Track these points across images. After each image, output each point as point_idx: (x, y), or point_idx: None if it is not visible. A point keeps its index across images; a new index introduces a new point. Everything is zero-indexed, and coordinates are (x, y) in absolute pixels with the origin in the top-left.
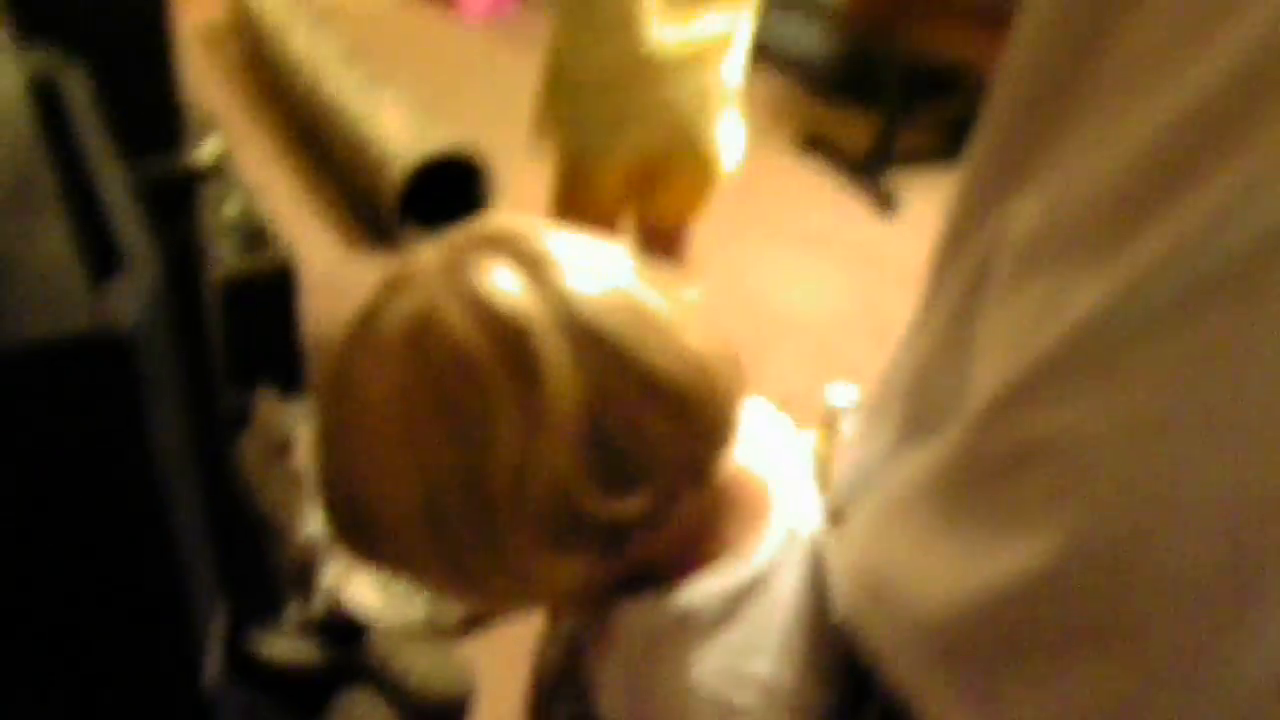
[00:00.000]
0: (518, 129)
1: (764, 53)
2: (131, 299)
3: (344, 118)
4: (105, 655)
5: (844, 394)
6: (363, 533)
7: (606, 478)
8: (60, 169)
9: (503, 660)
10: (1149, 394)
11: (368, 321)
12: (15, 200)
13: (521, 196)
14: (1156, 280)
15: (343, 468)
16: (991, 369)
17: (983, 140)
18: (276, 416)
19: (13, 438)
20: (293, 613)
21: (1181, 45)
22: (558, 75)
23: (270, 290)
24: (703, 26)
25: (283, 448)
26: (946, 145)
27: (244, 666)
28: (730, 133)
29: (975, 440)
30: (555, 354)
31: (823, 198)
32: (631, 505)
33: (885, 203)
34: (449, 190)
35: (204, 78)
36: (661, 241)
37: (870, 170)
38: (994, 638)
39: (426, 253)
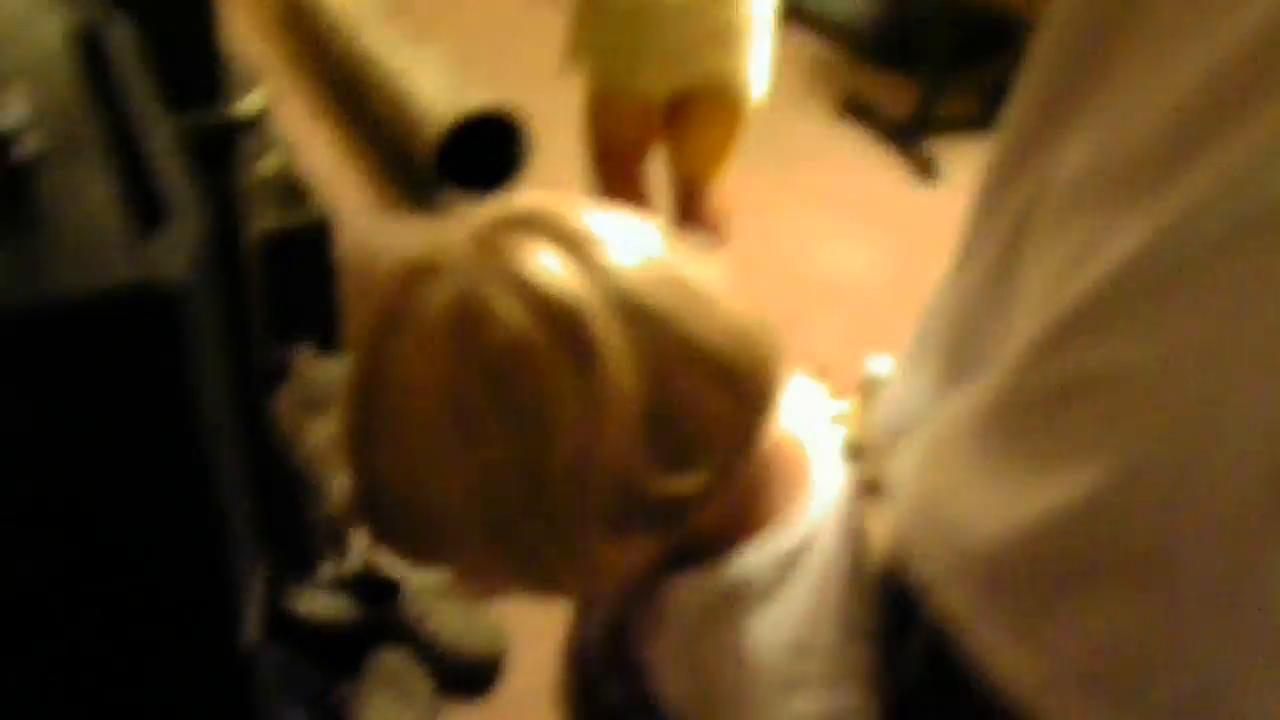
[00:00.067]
0: (556, 88)
1: (804, 15)
2: (177, 252)
3: (381, 75)
4: (144, 613)
5: (882, 364)
6: (416, 536)
7: (666, 456)
8: (105, 120)
9: (534, 620)
10: (1194, 327)
11: (400, 313)
12: (61, 151)
13: (559, 155)
14: (1202, 217)
15: (391, 470)
16: (1036, 308)
17: (1026, 89)
18: (314, 372)
19: (57, 390)
20: (326, 570)
21: None
22: (587, 4)
23: (307, 246)
24: None
25: (320, 403)
26: (986, 112)
27: (277, 623)
28: (757, 65)
29: (1021, 377)
30: (609, 334)
31: (862, 163)
32: (691, 481)
33: (925, 169)
34: (486, 149)
35: (242, 32)
36: (696, 200)
37: (910, 136)
38: (1039, 568)
39: (452, 236)
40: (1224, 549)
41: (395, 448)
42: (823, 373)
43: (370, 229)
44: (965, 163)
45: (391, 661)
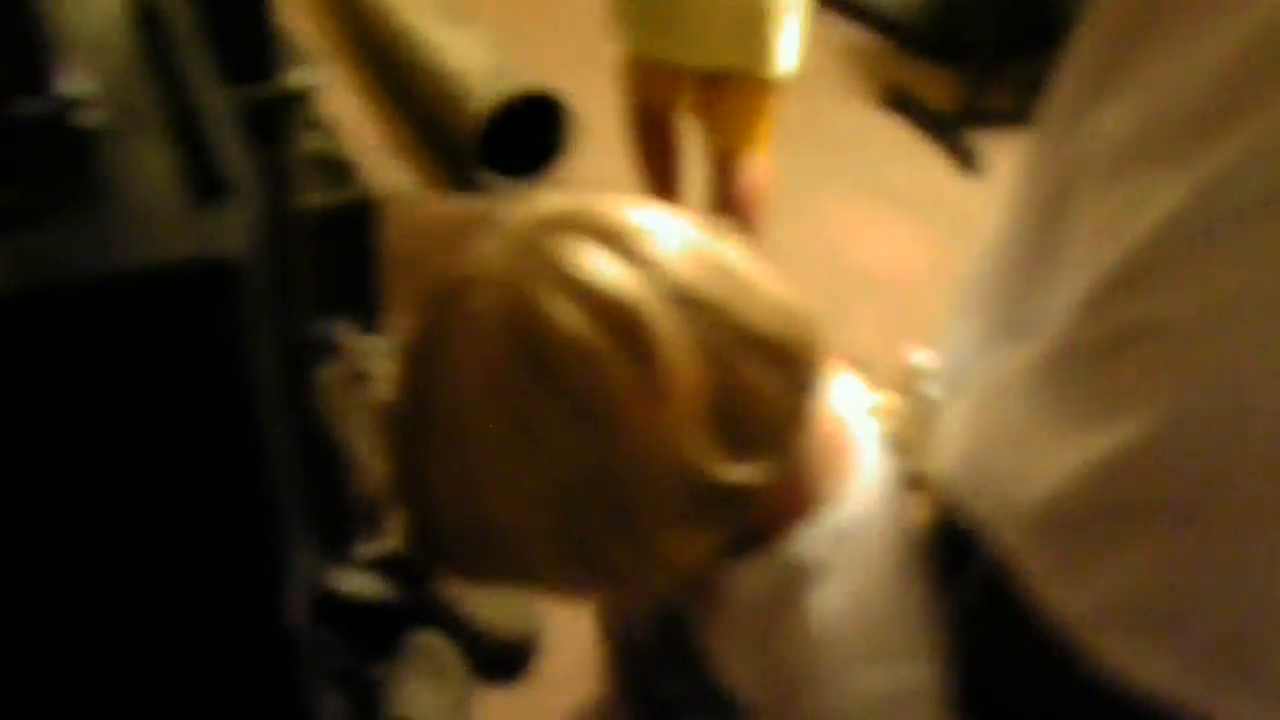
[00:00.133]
0: (598, 70)
1: (848, 6)
2: (235, 227)
3: (424, 54)
4: (191, 590)
5: (924, 357)
6: (481, 556)
7: (730, 444)
8: (164, 93)
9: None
10: (1235, 279)
11: (447, 330)
12: (119, 123)
13: (601, 138)
14: (1242, 175)
15: (453, 493)
16: (1084, 267)
17: (1072, 63)
18: (358, 350)
19: (112, 363)
20: (362, 549)
21: None
22: None
23: (351, 224)
24: None
25: (363, 381)
26: (1029, 105)
27: (313, 601)
28: (787, 40)
29: (1073, 332)
30: (667, 328)
31: (904, 154)
32: (755, 467)
33: (968, 161)
34: (527, 131)
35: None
36: (729, 174)
37: (954, 128)
38: (1089, 509)
39: (487, 246)
40: (1269, 489)
41: (456, 469)
42: (861, 365)
43: (410, 209)
44: (1008, 155)
45: (426, 642)
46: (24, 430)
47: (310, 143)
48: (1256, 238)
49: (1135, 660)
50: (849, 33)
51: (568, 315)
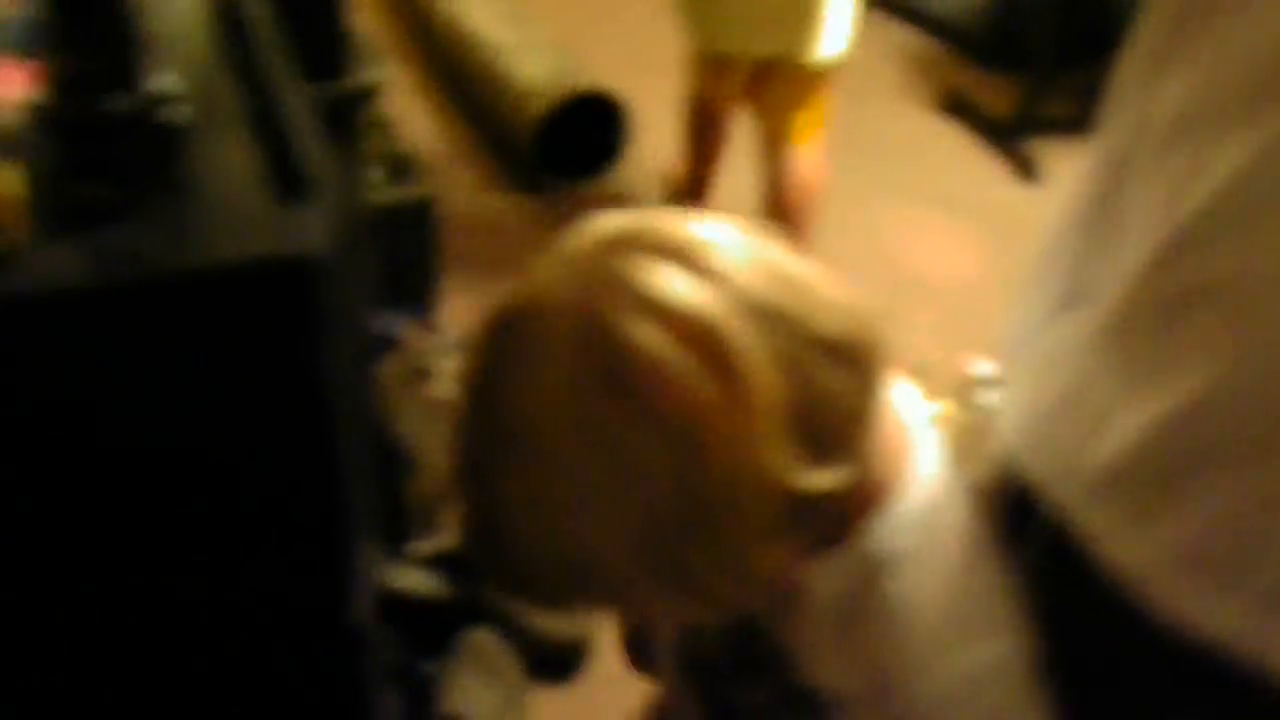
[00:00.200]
0: (657, 73)
1: (906, 11)
2: (317, 224)
3: (484, 55)
4: (263, 584)
5: (982, 366)
6: (567, 581)
7: (811, 450)
8: (245, 89)
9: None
10: None
11: (520, 357)
12: (202, 120)
13: (658, 140)
14: None
15: (537, 521)
16: (1146, 231)
17: (1134, 41)
18: (419, 346)
19: (194, 357)
20: (417, 546)
21: None
22: None
23: (412, 221)
24: None
25: (422, 377)
26: (1088, 113)
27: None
28: (834, 27)
29: (1137, 293)
30: (745, 342)
31: (961, 161)
32: (836, 472)
33: (1026, 169)
34: (585, 132)
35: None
36: (778, 163)
37: (1012, 135)
38: (1155, 465)
39: (547, 272)
40: None
41: (539, 501)
42: (918, 373)
43: (470, 208)
44: (1067, 163)
45: (480, 641)
46: (106, 424)
47: (373, 140)
48: None
49: (1198, 609)
50: (906, 37)
51: (648, 336)
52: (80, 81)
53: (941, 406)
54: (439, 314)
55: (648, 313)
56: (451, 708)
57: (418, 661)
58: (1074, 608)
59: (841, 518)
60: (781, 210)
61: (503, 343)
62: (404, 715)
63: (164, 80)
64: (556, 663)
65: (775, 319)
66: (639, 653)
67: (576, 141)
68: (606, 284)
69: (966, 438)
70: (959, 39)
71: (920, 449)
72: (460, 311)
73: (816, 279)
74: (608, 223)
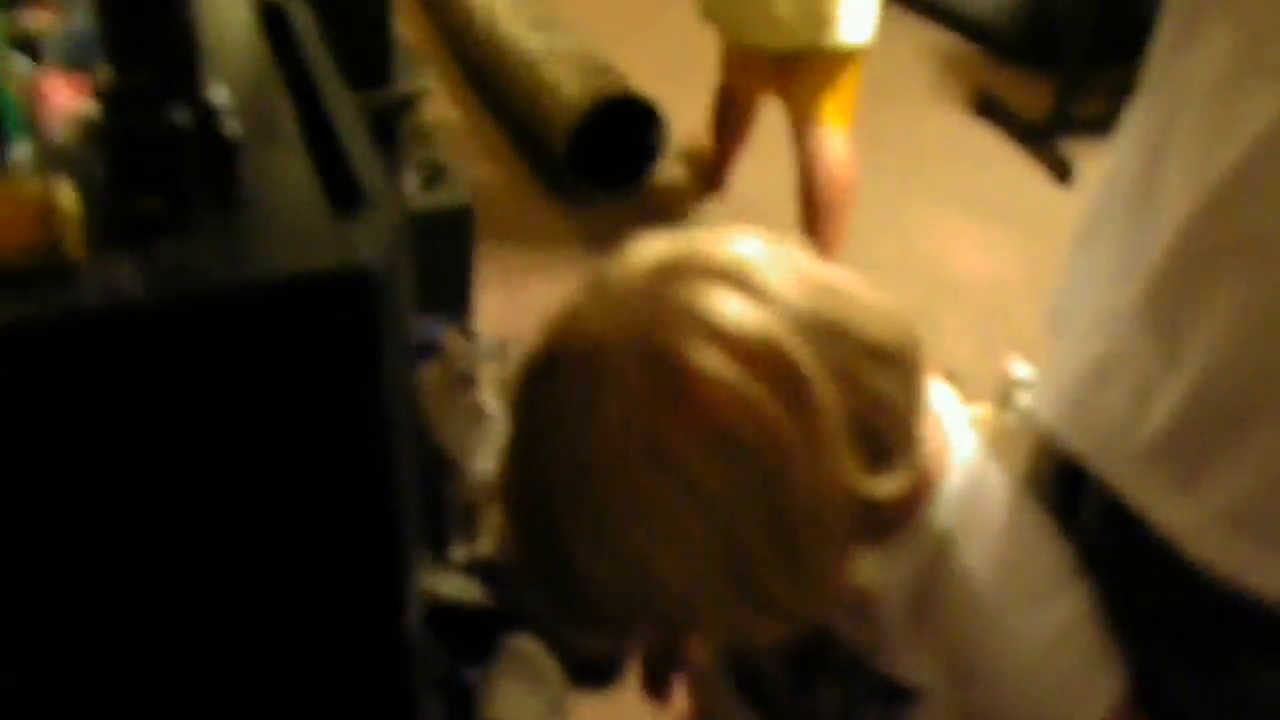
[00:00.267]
0: (693, 78)
1: (938, 11)
2: (375, 236)
3: (519, 61)
4: (318, 592)
5: (1021, 368)
6: (641, 612)
7: (875, 460)
8: (296, 99)
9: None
10: None
11: (584, 396)
12: (258, 132)
13: (692, 145)
14: None
15: (611, 560)
16: (1179, 196)
17: (1164, 9)
18: (459, 351)
19: (253, 371)
20: (458, 551)
21: None
22: None
23: (449, 227)
24: None
25: (467, 383)
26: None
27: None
28: (852, 13)
29: (1171, 258)
30: (807, 358)
31: (995, 162)
32: (898, 475)
33: (1061, 170)
34: (620, 139)
35: None
36: (807, 147)
37: (1045, 136)
38: (1196, 428)
39: (608, 304)
40: None
41: (613, 539)
42: (955, 376)
43: (505, 214)
44: (1101, 164)
45: (522, 647)
46: (165, 439)
47: (409, 146)
48: None
49: (1250, 566)
50: (937, 38)
51: (715, 363)
52: (139, 94)
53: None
54: (475, 318)
55: (712, 340)
56: (494, 715)
57: (459, 669)
58: (1134, 567)
59: (899, 516)
60: (814, 195)
61: (560, 383)
62: None
63: (220, 92)
64: (596, 670)
65: (827, 331)
66: (657, 679)
67: (613, 147)
68: (664, 315)
69: (1005, 440)
70: (990, 39)
71: (955, 435)
72: (495, 315)
73: (854, 286)
74: (648, 250)
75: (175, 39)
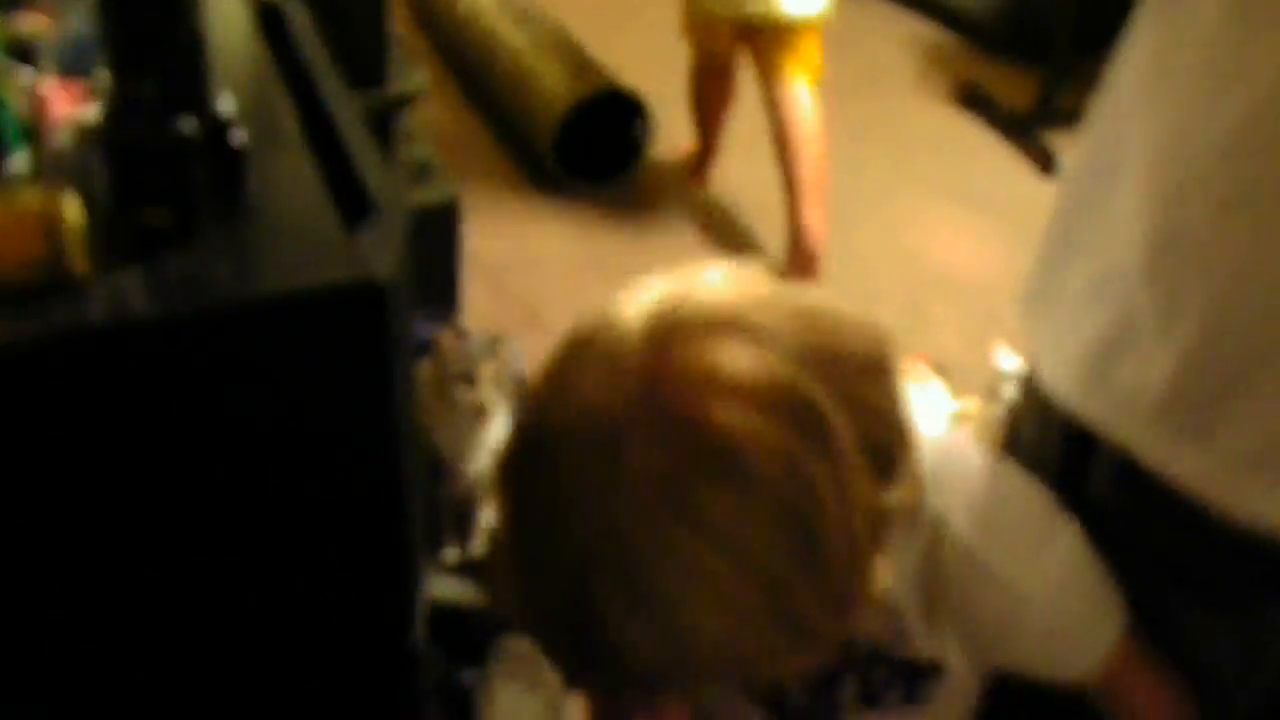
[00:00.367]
0: (678, 71)
1: (923, 3)
2: (386, 247)
3: (503, 56)
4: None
5: (1009, 360)
6: (681, 666)
7: (883, 473)
8: (298, 104)
9: None
10: None
11: (605, 469)
12: (261, 138)
13: (678, 138)
14: None
15: (649, 625)
16: (1186, 143)
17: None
18: (453, 351)
19: (265, 383)
20: (450, 553)
21: None
22: None
23: (436, 224)
24: None
25: (465, 381)
26: None
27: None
28: None
29: (1180, 205)
30: (819, 393)
31: (980, 154)
32: (905, 484)
33: (1045, 161)
34: (607, 131)
35: None
36: (773, 101)
37: (1030, 127)
38: (1202, 380)
39: (595, 377)
40: None
41: (649, 604)
42: (943, 370)
43: (493, 210)
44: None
45: (518, 648)
46: (175, 453)
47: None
48: None
49: (1268, 506)
50: (921, 30)
51: (739, 418)
52: (146, 104)
53: (968, 403)
54: (463, 314)
55: (729, 394)
56: (492, 717)
57: (456, 671)
58: (1152, 523)
59: (903, 515)
60: (786, 137)
61: (572, 459)
62: None
63: (227, 101)
64: None
65: (824, 359)
66: None
67: (599, 140)
68: (673, 378)
69: (994, 432)
70: (974, 31)
71: (920, 417)
72: (483, 310)
73: (831, 303)
74: (632, 311)
75: (184, 47)
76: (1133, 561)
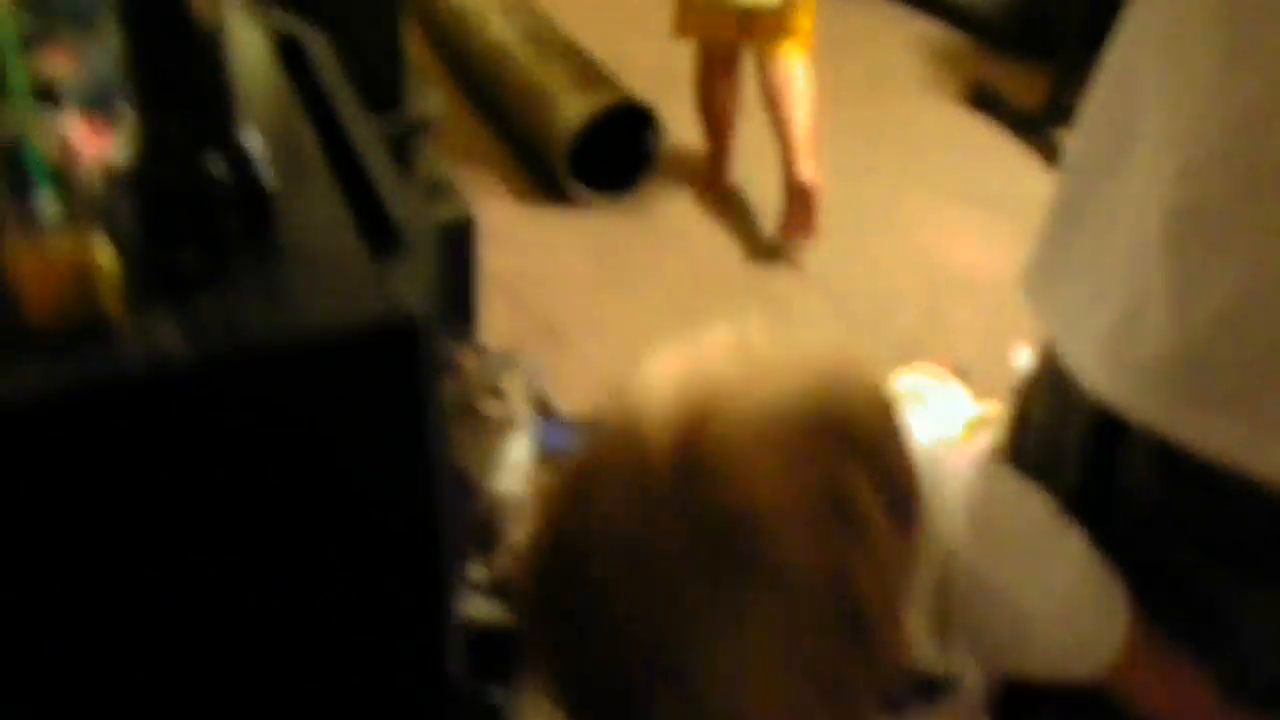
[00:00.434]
0: (687, 82)
1: (932, 3)
2: (418, 280)
3: (514, 70)
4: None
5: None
6: None
7: (905, 524)
8: (321, 135)
9: None
10: None
11: (637, 558)
12: (288, 173)
13: (690, 149)
14: None
15: (691, 708)
16: (1205, 117)
17: None
18: (475, 370)
19: (301, 422)
20: (476, 572)
21: None
22: None
23: (451, 242)
24: None
25: (486, 396)
26: None
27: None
28: None
29: (1202, 179)
30: (850, 469)
31: (992, 154)
32: (919, 529)
33: (1057, 160)
34: (617, 141)
35: None
36: (765, 70)
37: (1040, 126)
38: (1233, 350)
39: (621, 474)
40: None
41: (693, 697)
42: (962, 374)
43: (505, 225)
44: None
45: None
46: (211, 494)
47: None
48: None
49: None
50: (929, 30)
51: (783, 527)
52: (174, 143)
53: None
54: (480, 331)
55: (767, 484)
56: None
57: (484, 689)
58: (1187, 501)
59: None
60: (775, 99)
61: (605, 570)
62: None
63: (254, 138)
64: None
65: (844, 430)
66: None
67: (610, 152)
68: (713, 473)
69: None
70: (982, 30)
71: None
72: (501, 327)
73: (837, 359)
74: (654, 391)
75: (211, 84)
76: (1166, 541)
